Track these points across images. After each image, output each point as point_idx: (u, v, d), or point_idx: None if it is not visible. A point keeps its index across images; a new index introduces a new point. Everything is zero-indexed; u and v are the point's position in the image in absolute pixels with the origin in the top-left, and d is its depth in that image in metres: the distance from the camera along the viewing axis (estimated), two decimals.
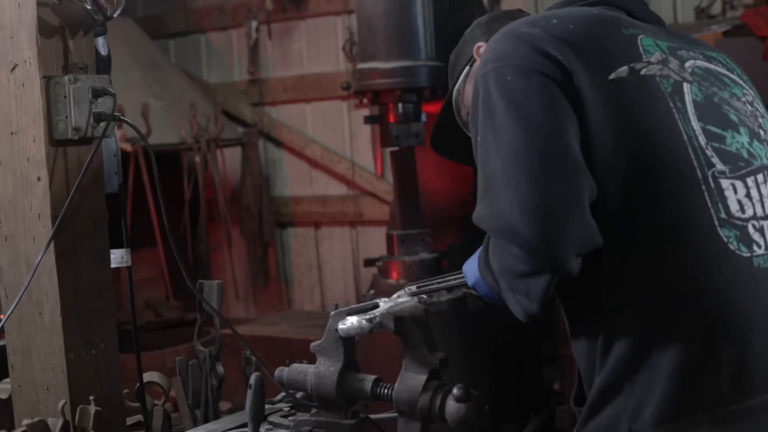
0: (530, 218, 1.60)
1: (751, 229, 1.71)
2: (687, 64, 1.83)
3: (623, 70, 1.74)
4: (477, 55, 2.08)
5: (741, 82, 1.91)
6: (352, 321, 1.83)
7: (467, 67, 2.12)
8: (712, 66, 1.88)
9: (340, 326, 1.84)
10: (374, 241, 6.40)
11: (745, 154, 1.77)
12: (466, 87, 2.12)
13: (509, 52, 1.74)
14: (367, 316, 1.84)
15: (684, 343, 1.66)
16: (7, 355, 2.19)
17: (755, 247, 1.71)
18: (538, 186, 1.62)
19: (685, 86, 1.79)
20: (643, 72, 1.76)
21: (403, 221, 4.45)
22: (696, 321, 1.66)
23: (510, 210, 1.62)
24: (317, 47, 6.77)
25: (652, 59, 1.79)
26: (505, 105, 1.69)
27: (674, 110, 1.74)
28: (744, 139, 1.79)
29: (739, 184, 1.73)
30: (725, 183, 1.72)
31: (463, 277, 2.09)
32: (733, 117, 1.81)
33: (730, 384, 1.66)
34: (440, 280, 2.15)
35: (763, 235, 1.72)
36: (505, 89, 1.70)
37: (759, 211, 1.73)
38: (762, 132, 1.85)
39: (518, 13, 2.15)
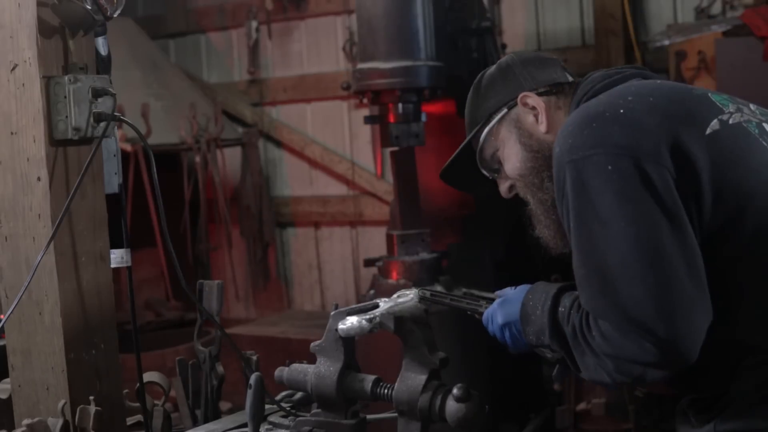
0: (665, 316, 1.67)
1: None
2: (752, 108, 1.96)
3: (715, 124, 1.84)
4: (522, 104, 2.10)
5: None
6: (352, 321, 1.83)
7: (504, 109, 2.12)
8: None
9: (340, 326, 1.84)
10: (374, 241, 6.40)
11: None
12: (500, 129, 2.13)
13: (603, 138, 1.78)
14: (367, 316, 1.84)
15: None
16: (7, 355, 2.19)
17: None
18: (669, 282, 1.68)
19: (765, 126, 1.92)
20: (731, 122, 1.87)
21: (403, 221, 4.45)
22: None
23: (640, 307, 1.68)
24: (317, 47, 6.77)
25: (731, 109, 1.90)
26: (612, 197, 1.72)
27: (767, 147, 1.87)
28: None
29: None
30: None
31: (479, 305, 2.10)
32: None
33: None
34: (454, 298, 2.14)
35: None
36: (609, 180, 1.73)
37: None
38: None
39: (551, 61, 2.17)
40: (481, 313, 2.10)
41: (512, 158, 2.11)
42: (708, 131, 1.82)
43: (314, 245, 6.97)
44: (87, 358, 2.14)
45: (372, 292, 4.39)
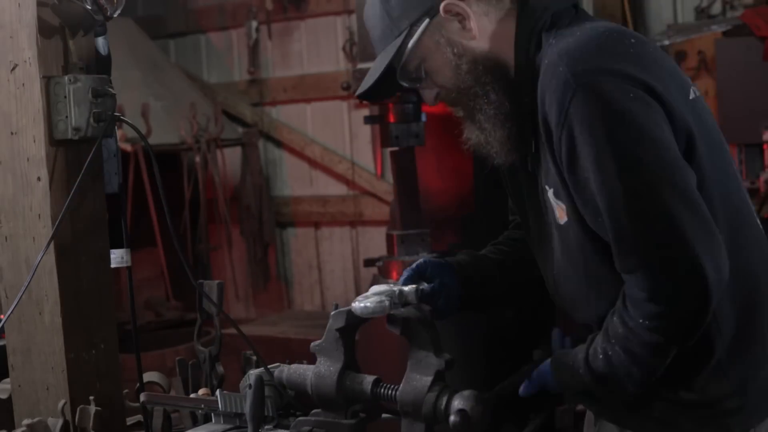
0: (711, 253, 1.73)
1: None
2: None
3: (692, 92, 1.87)
4: (445, 11, 1.94)
5: None
6: (366, 303, 1.83)
7: (426, 19, 1.95)
8: None
9: (357, 306, 1.83)
10: (374, 241, 6.40)
11: None
12: (423, 40, 1.97)
13: (620, 64, 1.76)
14: (385, 295, 1.84)
15: None
16: (7, 355, 2.19)
17: None
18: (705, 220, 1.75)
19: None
20: (698, 94, 1.91)
21: (403, 221, 4.45)
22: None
23: (700, 245, 1.71)
24: (317, 47, 6.77)
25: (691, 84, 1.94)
26: (643, 126, 1.73)
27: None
28: None
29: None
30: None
31: None
32: None
33: None
34: None
35: None
36: (632, 108, 1.73)
37: None
38: None
39: None
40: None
41: (444, 69, 1.98)
42: (690, 96, 1.85)
43: (314, 245, 6.97)
44: (87, 358, 2.14)
45: None
